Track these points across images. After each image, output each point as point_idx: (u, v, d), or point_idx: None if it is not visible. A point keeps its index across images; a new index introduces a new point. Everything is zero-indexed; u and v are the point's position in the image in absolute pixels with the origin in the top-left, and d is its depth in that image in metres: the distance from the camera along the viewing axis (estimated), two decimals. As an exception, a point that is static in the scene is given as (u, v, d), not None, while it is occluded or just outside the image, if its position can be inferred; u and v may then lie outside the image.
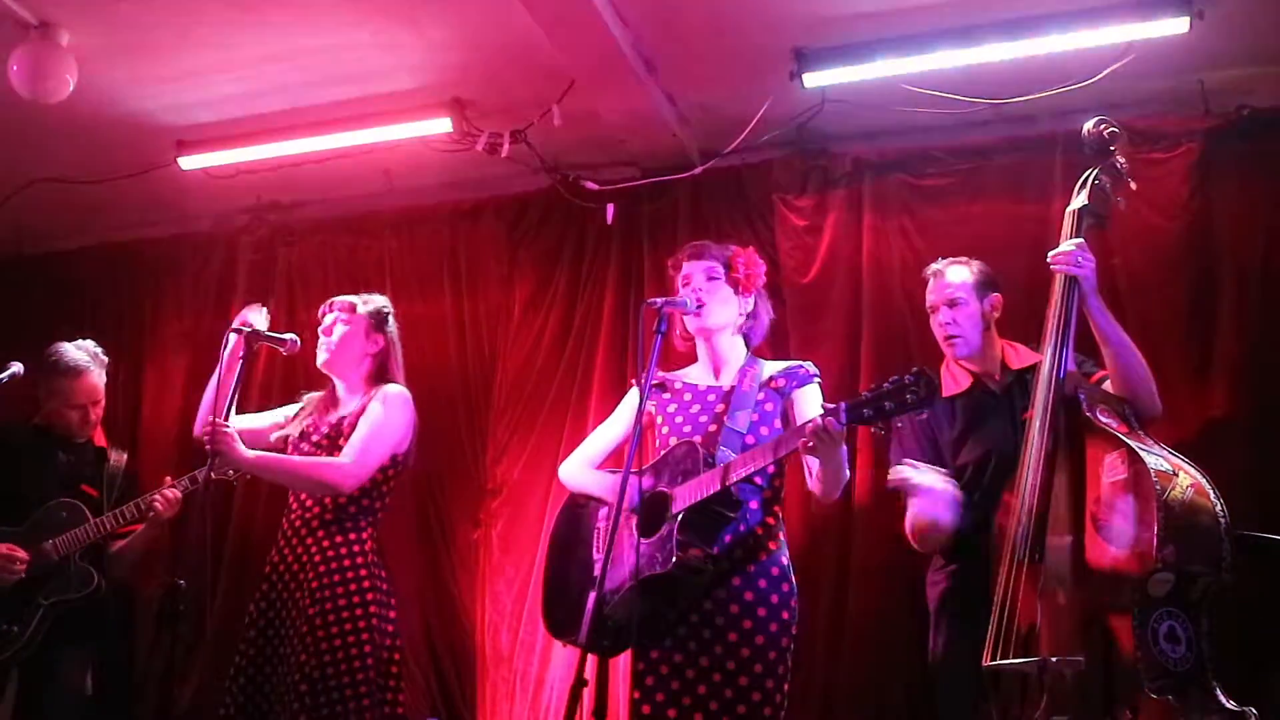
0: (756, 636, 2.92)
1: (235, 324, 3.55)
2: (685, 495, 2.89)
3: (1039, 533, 2.70)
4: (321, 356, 3.64)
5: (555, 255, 4.89)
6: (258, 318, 3.60)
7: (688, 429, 3.11)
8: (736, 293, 3.20)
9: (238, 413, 3.62)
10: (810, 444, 2.71)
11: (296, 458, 3.56)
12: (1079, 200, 3.02)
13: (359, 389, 3.64)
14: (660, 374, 3.27)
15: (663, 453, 3.10)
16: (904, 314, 4.11)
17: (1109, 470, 2.64)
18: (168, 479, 3.95)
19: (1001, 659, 2.66)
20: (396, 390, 3.60)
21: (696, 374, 3.27)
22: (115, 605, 4.36)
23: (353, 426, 3.50)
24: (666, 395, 3.24)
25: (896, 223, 4.33)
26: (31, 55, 3.95)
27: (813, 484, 3.00)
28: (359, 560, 3.45)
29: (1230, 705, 2.50)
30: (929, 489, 3.06)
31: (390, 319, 3.73)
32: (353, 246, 5.18)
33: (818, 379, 3.16)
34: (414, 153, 4.67)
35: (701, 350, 3.27)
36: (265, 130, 4.62)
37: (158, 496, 3.86)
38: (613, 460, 3.36)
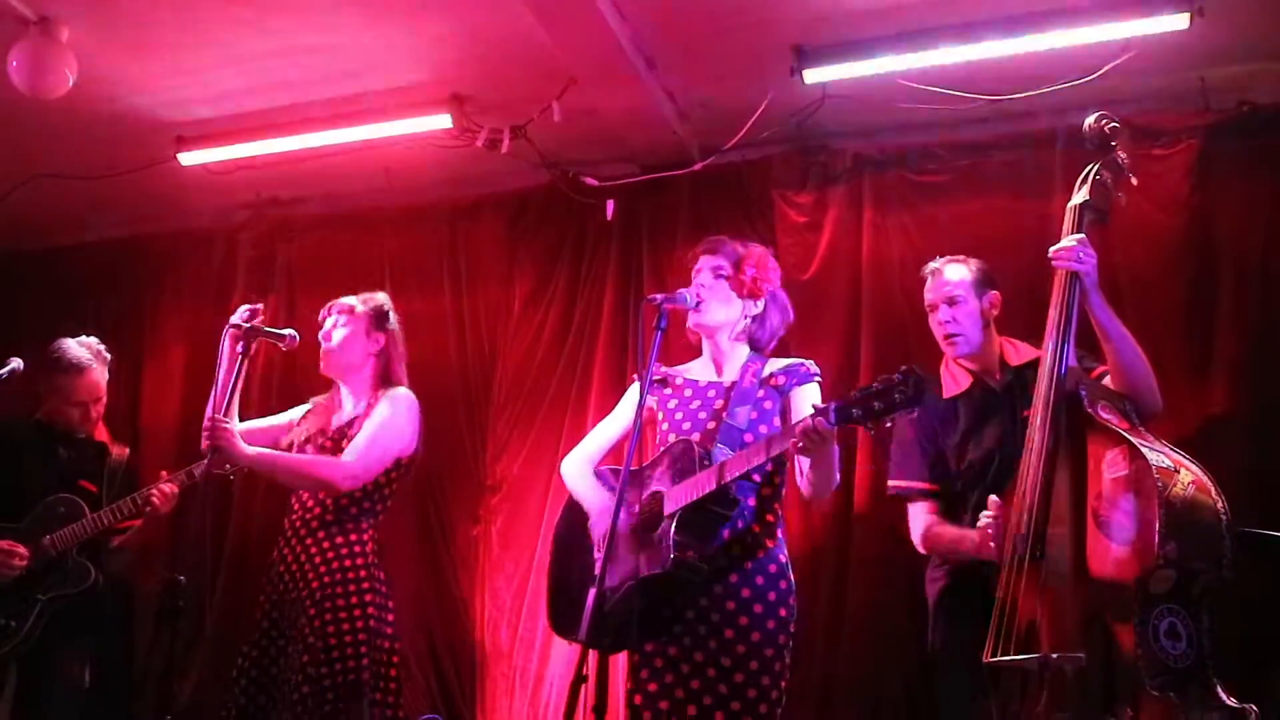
0: (752, 633, 2.92)
1: (234, 320, 3.54)
2: (681, 495, 2.88)
3: (1040, 530, 2.69)
4: (324, 361, 3.64)
5: (555, 251, 4.89)
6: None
7: (687, 425, 3.11)
8: (740, 294, 3.17)
9: (238, 409, 3.62)
10: (800, 444, 2.70)
11: (296, 455, 3.56)
12: (1080, 195, 3.01)
13: (364, 392, 3.64)
14: (662, 369, 3.26)
15: (660, 450, 3.10)
16: (903, 311, 4.10)
17: (1110, 467, 2.64)
18: (164, 474, 3.94)
19: (1002, 655, 2.66)
20: (404, 393, 3.59)
21: (698, 369, 3.26)
22: (114, 601, 4.37)
23: (358, 430, 3.49)
24: (668, 391, 3.23)
25: (896, 219, 4.33)
26: (31, 51, 3.94)
27: (802, 484, 3.00)
28: (359, 561, 3.45)
29: (1231, 702, 2.50)
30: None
31: (390, 316, 3.73)
32: (353, 242, 5.18)
33: (818, 378, 3.14)
34: (414, 149, 4.66)
35: (704, 345, 3.27)
36: (265, 126, 4.62)
37: (154, 491, 3.86)
38: (614, 455, 3.36)
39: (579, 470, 3.29)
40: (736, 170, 4.59)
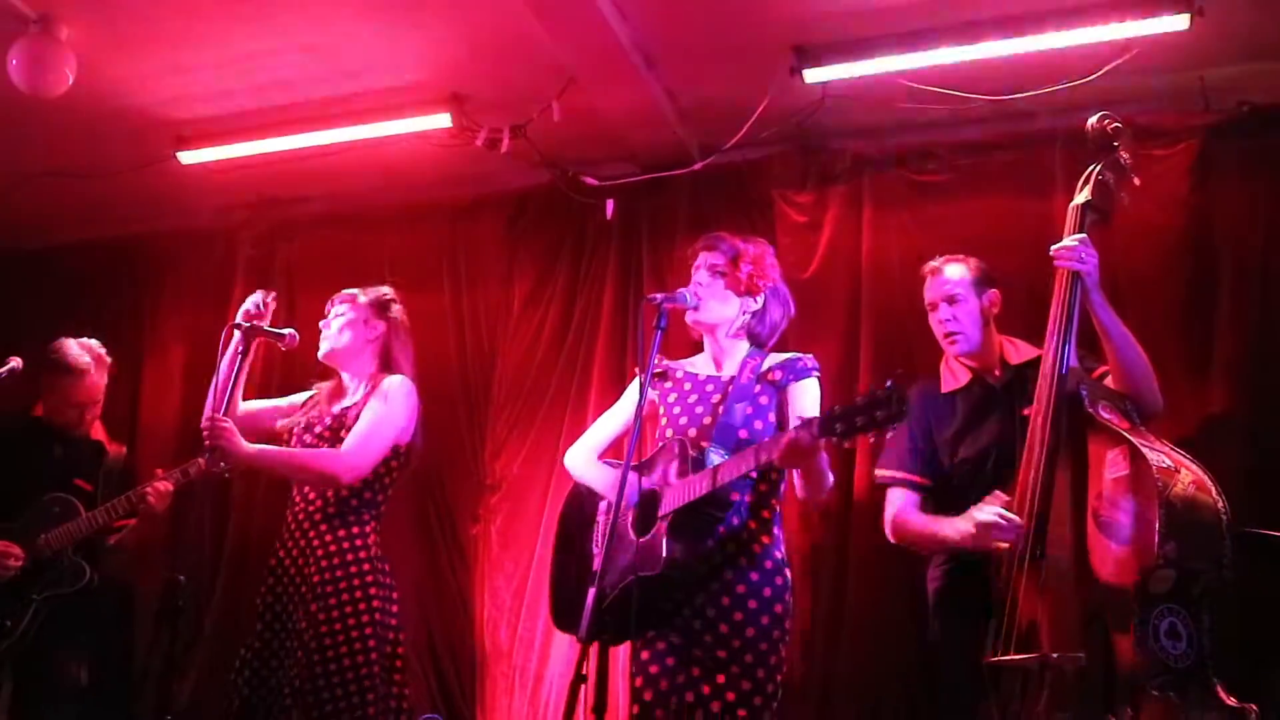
0: (747, 629, 2.92)
1: (245, 306, 3.54)
2: (674, 497, 2.89)
3: (1040, 529, 2.70)
4: (322, 347, 3.64)
5: (555, 251, 4.89)
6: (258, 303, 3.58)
7: (683, 421, 3.11)
8: (738, 291, 3.17)
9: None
10: (783, 456, 2.69)
11: (296, 450, 3.56)
12: (1082, 195, 3.01)
13: (364, 380, 3.63)
14: (664, 362, 3.27)
15: (657, 448, 3.11)
16: (903, 310, 4.09)
17: (1110, 466, 2.64)
18: (159, 471, 3.94)
19: (1002, 655, 2.66)
20: (399, 380, 3.58)
21: (699, 363, 3.27)
22: (112, 600, 4.37)
23: (357, 418, 3.49)
24: (668, 385, 3.23)
25: (896, 219, 4.33)
26: (31, 49, 3.94)
27: (797, 486, 3.01)
28: (361, 555, 3.45)
29: (1231, 702, 2.50)
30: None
31: (393, 306, 3.72)
32: (352, 242, 5.17)
33: (816, 373, 3.14)
34: (414, 148, 4.66)
35: (705, 341, 3.27)
36: (265, 125, 4.62)
37: (149, 490, 3.86)
38: (617, 448, 3.37)
39: (585, 458, 3.30)
40: (736, 170, 4.58)
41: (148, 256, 5.58)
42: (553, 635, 4.37)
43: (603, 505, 3.19)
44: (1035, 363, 2.98)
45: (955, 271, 3.33)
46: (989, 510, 2.84)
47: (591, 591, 2.62)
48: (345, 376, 3.68)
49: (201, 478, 3.84)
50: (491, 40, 4.03)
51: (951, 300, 3.29)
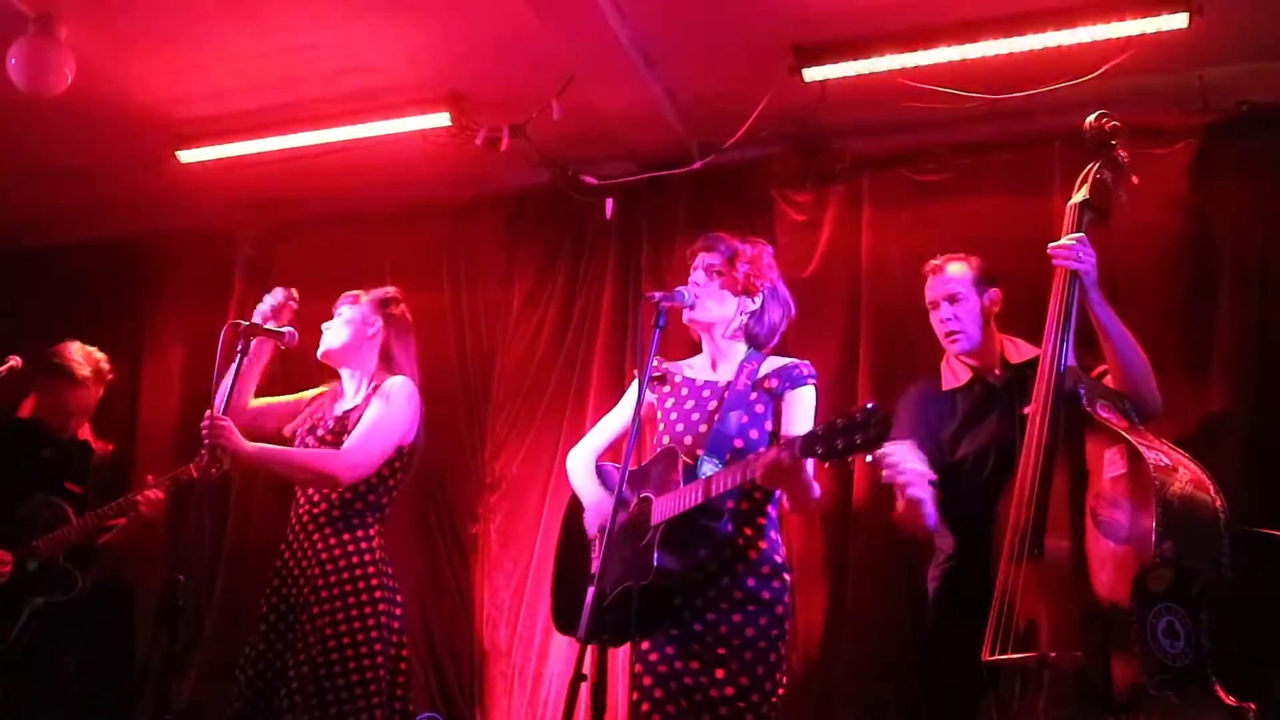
0: (746, 629, 2.92)
1: (256, 315, 3.54)
2: (666, 507, 2.88)
3: (1039, 528, 2.69)
4: (321, 346, 3.63)
5: (554, 250, 4.89)
6: (270, 303, 3.58)
7: (680, 427, 3.10)
8: (735, 291, 3.15)
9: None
10: (764, 476, 2.68)
11: (296, 450, 3.55)
12: (1080, 194, 3.01)
13: (366, 380, 3.61)
14: (663, 365, 3.25)
15: (654, 455, 3.10)
16: (903, 309, 4.09)
17: (1109, 465, 2.64)
18: (149, 479, 3.95)
19: (1001, 654, 2.66)
20: (400, 381, 3.55)
21: (697, 366, 3.25)
22: (110, 600, 4.38)
23: (359, 420, 3.48)
24: (666, 389, 3.22)
25: (896, 218, 4.33)
26: (30, 48, 3.94)
27: (784, 501, 3.01)
28: (366, 558, 3.43)
29: (1229, 701, 2.50)
30: (917, 473, 2.99)
31: (393, 304, 3.70)
32: (351, 241, 5.18)
33: (813, 380, 3.08)
34: (413, 147, 4.66)
35: (703, 341, 3.26)
36: (264, 124, 4.62)
37: (140, 498, 3.88)
38: (616, 449, 3.36)
39: (583, 463, 3.29)
40: (736, 169, 4.59)
41: (147, 256, 5.59)
42: (552, 634, 4.38)
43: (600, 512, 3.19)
44: (1036, 362, 2.97)
45: (957, 270, 3.33)
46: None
47: (591, 591, 2.62)
48: (346, 376, 3.66)
49: (194, 482, 3.85)
50: (491, 39, 4.03)
51: (953, 299, 3.29)
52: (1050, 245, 2.94)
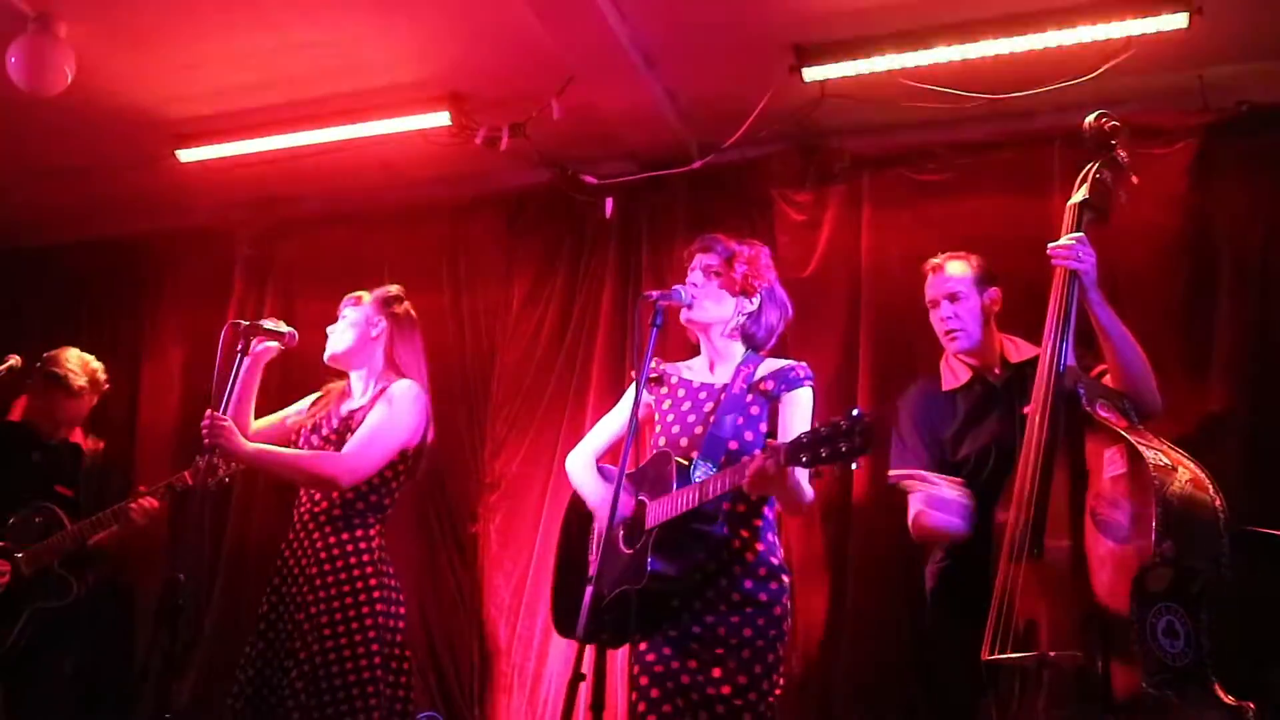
0: (744, 629, 2.91)
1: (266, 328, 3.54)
2: (660, 510, 2.88)
3: (1038, 528, 2.69)
4: (327, 350, 3.62)
5: (554, 249, 4.89)
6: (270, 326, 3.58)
7: (676, 429, 3.09)
8: (733, 292, 3.14)
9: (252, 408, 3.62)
10: (751, 483, 2.68)
11: (296, 451, 3.54)
12: (1079, 194, 3.01)
13: (373, 381, 3.59)
14: (660, 366, 3.24)
15: (650, 457, 3.10)
16: (903, 308, 4.08)
17: (1108, 465, 2.64)
18: (142, 488, 3.96)
19: (1000, 653, 2.65)
20: (406, 385, 3.53)
21: (695, 368, 3.24)
22: (108, 600, 4.39)
23: (363, 421, 3.47)
24: (663, 390, 3.21)
25: (895, 218, 4.33)
26: (29, 47, 3.94)
27: (776, 504, 3.01)
28: (365, 559, 3.42)
29: (1229, 701, 2.50)
30: (944, 499, 3.04)
31: (396, 303, 3.68)
32: (351, 240, 5.18)
33: (810, 383, 3.07)
34: (412, 146, 4.66)
35: (700, 340, 3.25)
36: (264, 123, 4.62)
37: (133, 506, 3.90)
38: (616, 450, 3.35)
39: (583, 464, 3.29)
40: (736, 168, 4.58)
41: (146, 255, 5.58)
42: (551, 634, 4.37)
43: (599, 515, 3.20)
44: (1035, 361, 2.97)
45: (957, 269, 3.33)
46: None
47: (589, 590, 2.62)
48: (354, 377, 3.66)
49: (190, 490, 3.86)
50: (491, 38, 4.03)
51: (953, 297, 3.29)
52: (1050, 245, 2.94)
